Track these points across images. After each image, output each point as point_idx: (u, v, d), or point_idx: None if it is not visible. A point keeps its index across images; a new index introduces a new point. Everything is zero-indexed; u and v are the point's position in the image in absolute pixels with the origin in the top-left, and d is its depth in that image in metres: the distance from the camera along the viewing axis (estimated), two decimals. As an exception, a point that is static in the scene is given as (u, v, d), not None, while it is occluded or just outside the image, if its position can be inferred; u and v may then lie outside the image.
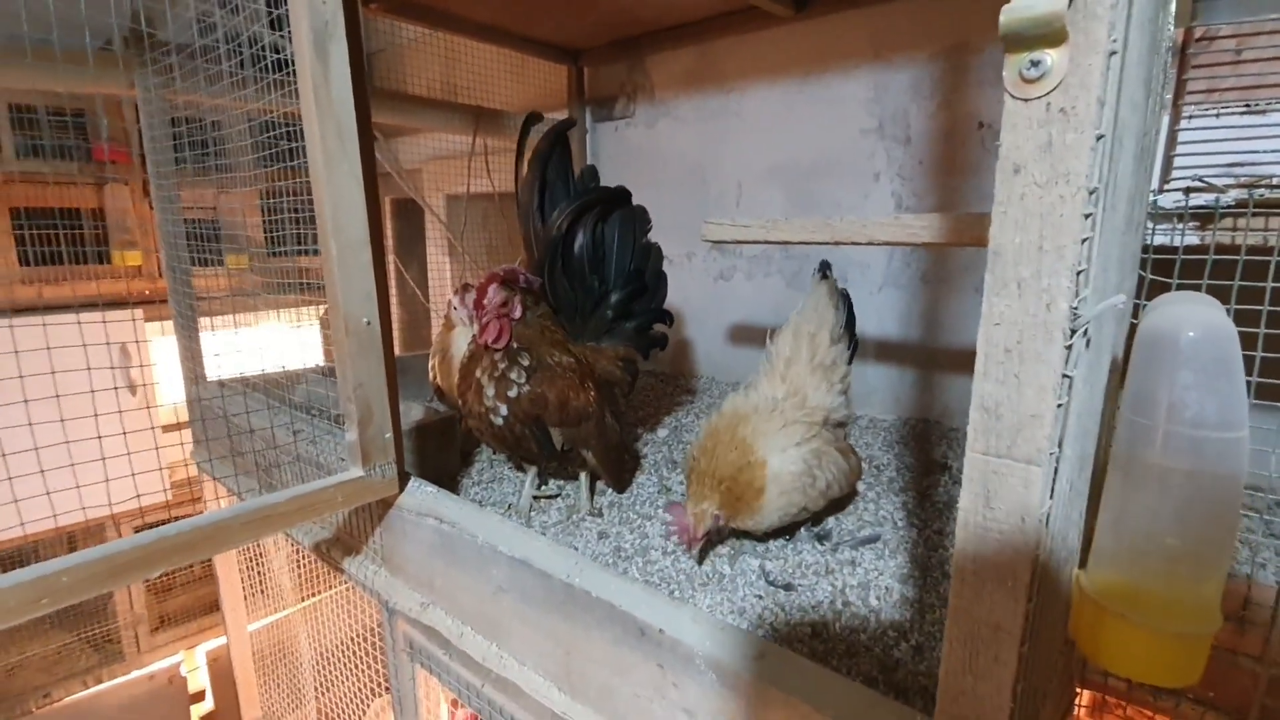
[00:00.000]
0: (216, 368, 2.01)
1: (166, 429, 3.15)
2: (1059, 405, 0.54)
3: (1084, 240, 0.51)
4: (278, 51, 1.24)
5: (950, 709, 0.65)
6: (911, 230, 1.30)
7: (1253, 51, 1.00)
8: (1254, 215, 0.90)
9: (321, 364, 2.50)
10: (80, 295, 3.45)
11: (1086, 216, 0.50)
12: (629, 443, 1.74)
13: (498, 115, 2.92)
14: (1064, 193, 0.49)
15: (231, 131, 1.77)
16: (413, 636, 1.42)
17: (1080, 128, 0.48)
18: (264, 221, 1.63)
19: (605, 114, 3.02)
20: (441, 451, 1.81)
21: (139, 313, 3.21)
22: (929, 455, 1.95)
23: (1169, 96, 1.02)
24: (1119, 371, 0.87)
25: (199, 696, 4.38)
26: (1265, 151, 1.00)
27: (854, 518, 1.56)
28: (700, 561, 1.36)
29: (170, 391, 2.64)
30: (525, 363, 1.44)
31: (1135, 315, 0.75)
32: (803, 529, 1.48)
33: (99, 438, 1.41)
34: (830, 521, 1.54)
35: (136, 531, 3.81)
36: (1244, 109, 1.01)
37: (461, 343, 1.70)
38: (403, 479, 1.33)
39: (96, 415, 1.43)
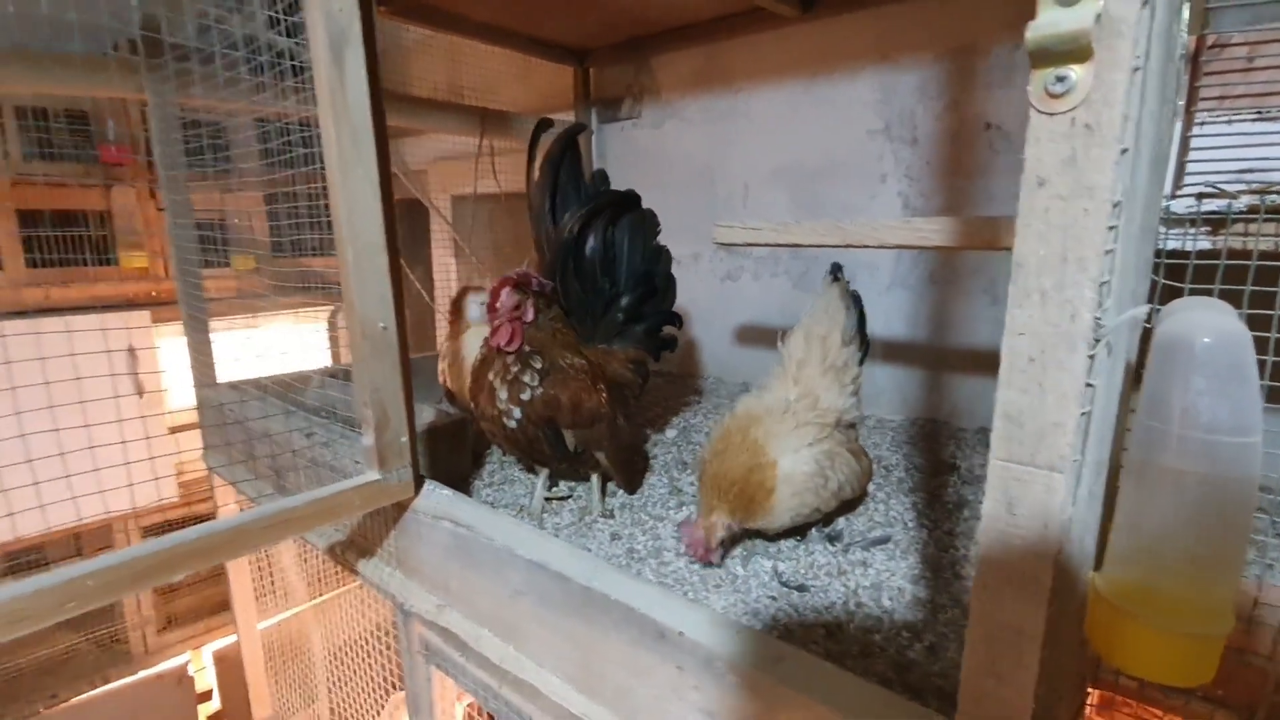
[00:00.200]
0: (229, 370, 2.02)
1: (173, 430, 3.17)
2: (1082, 413, 0.55)
3: (1107, 252, 0.51)
4: (292, 57, 1.25)
5: (972, 711, 0.66)
6: (922, 234, 1.31)
7: (1265, 59, 1.00)
8: (1266, 220, 0.91)
9: (329, 365, 2.51)
10: (87, 297, 3.46)
11: (1110, 229, 0.51)
12: (640, 444, 1.75)
13: (504, 116, 2.93)
14: (1088, 206, 0.50)
15: (241, 136, 1.78)
16: (428, 638, 1.43)
17: (1105, 142, 0.49)
18: (272, 224, 1.65)
19: (611, 115, 3.02)
20: (453, 454, 1.82)
21: (146, 314, 3.22)
22: (938, 455, 1.96)
23: (1181, 103, 1.03)
24: (1132, 375, 0.88)
25: (206, 696, 4.40)
26: (1277, 158, 1.01)
27: (864, 518, 1.57)
28: (720, 564, 1.36)
29: (178, 393, 2.66)
30: (538, 365, 1.45)
31: (1148, 320, 0.76)
32: (814, 530, 1.49)
33: (123, 441, 1.42)
34: (841, 522, 1.55)
35: (144, 532, 3.83)
36: (1256, 115, 1.02)
37: (473, 346, 1.72)
38: (418, 482, 1.34)
39: (120, 418, 1.44)
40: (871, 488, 1.71)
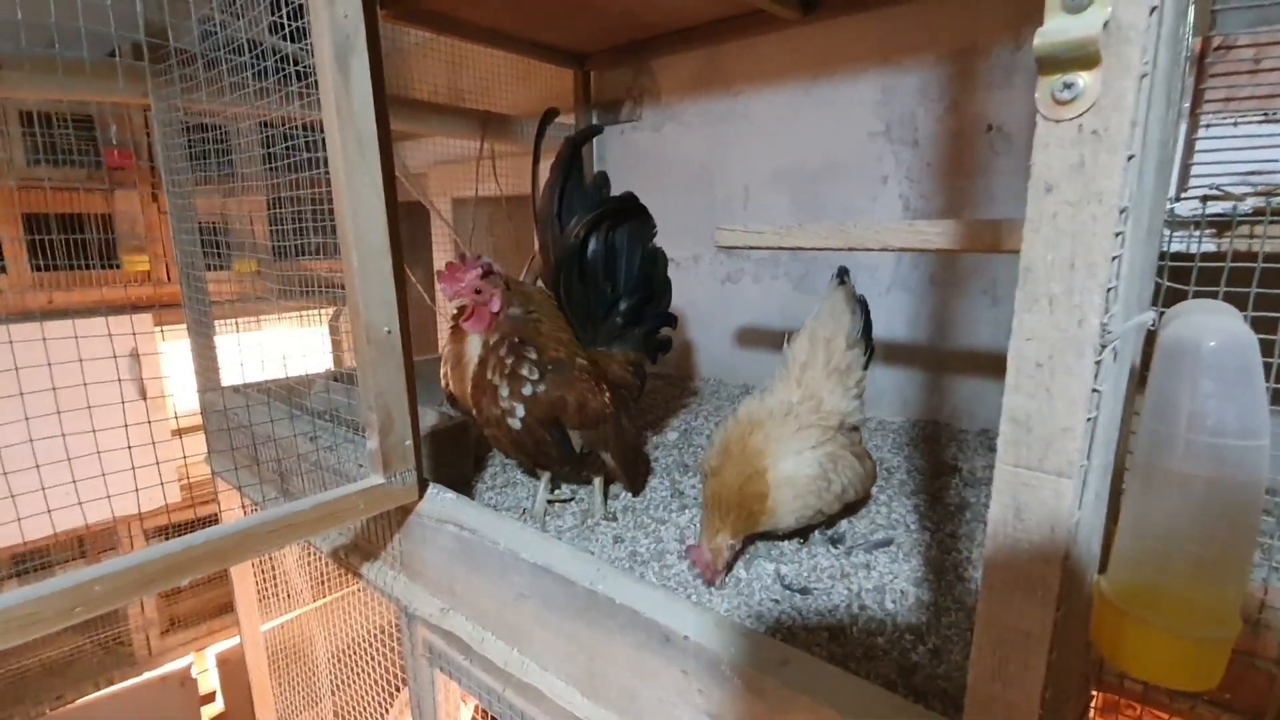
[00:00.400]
0: (233, 373, 2.02)
1: (176, 433, 3.17)
2: (1089, 419, 0.55)
3: (1115, 258, 0.52)
4: (297, 62, 1.25)
5: (978, 715, 0.66)
6: (925, 236, 1.31)
7: (1271, 60, 1.00)
8: (1271, 223, 0.91)
9: (332, 368, 2.51)
10: (91, 301, 3.47)
11: (1117, 234, 0.51)
12: (641, 446, 1.75)
13: (504, 120, 2.93)
14: (1096, 212, 0.50)
15: (245, 141, 1.78)
16: (432, 641, 1.43)
17: (1113, 149, 0.49)
18: (274, 228, 1.65)
19: (611, 118, 3.03)
20: (456, 457, 1.82)
21: (149, 318, 3.22)
22: (939, 457, 1.96)
23: (1186, 105, 1.03)
24: (1137, 378, 0.88)
25: (209, 698, 4.40)
26: (1283, 160, 1.01)
27: (867, 521, 1.57)
28: (721, 585, 1.34)
29: (180, 395, 2.66)
30: (532, 356, 1.44)
31: (1153, 323, 0.76)
32: (816, 532, 1.49)
33: (128, 446, 1.42)
34: (844, 525, 1.55)
35: (148, 533, 3.83)
36: (1262, 118, 1.02)
37: (476, 349, 1.71)
38: (422, 486, 1.34)
39: (123, 421, 1.45)
40: (874, 490, 1.71)
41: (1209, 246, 0.95)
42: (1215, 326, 0.72)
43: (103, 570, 0.91)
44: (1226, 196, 0.92)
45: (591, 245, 1.63)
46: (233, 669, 4.23)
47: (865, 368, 1.47)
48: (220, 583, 3.93)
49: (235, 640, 3.74)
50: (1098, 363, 0.54)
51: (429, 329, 3.70)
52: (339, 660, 2.97)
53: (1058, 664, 0.64)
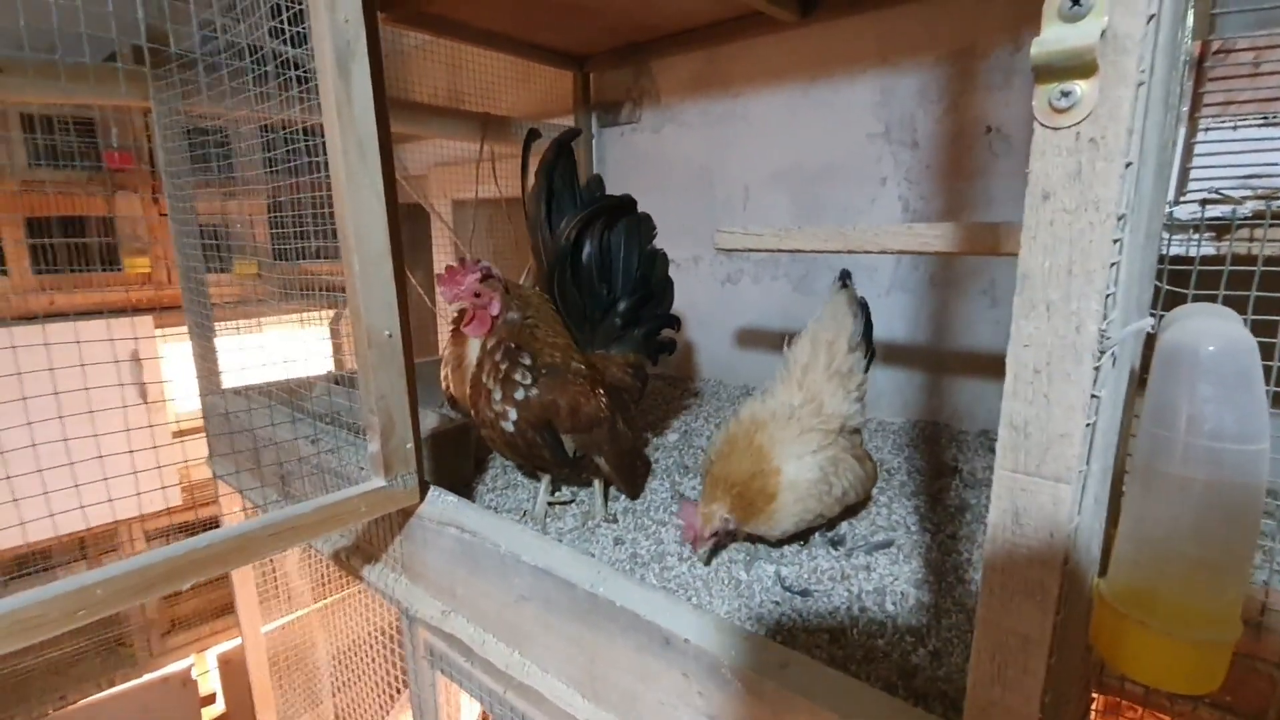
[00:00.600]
0: (234, 376, 2.03)
1: (177, 435, 3.18)
2: (1087, 424, 0.55)
3: (1113, 264, 0.52)
4: (298, 66, 1.25)
5: (979, 719, 0.66)
6: (924, 239, 1.31)
7: (1271, 64, 1.00)
8: (1271, 226, 0.91)
9: (332, 371, 2.52)
10: (92, 304, 3.47)
11: (1115, 241, 0.51)
12: (641, 449, 1.75)
13: (504, 121, 2.93)
14: (1093, 219, 0.51)
15: (245, 144, 1.79)
16: (433, 644, 1.43)
17: (1110, 156, 0.49)
18: (274, 231, 1.65)
19: (611, 119, 3.03)
20: (457, 459, 1.83)
21: (149, 320, 3.23)
22: (939, 458, 1.97)
23: (1185, 109, 1.03)
24: (1136, 382, 0.88)
25: (210, 699, 4.41)
26: (1283, 164, 1.01)
27: (867, 522, 1.57)
28: (707, 562, 1.38)
29: (181, 398, 2.67)
30: (527, 362, 1.45)
31: (1151, 326, 0.76)
32: (817, 534, 1.49)
33: (130, 451, 1.43)
34: (844, 526, 1.55)
35: (148, 535, 3.84)
36: (1262, 121, 1.02)
37: (475, 353, 1.72)
38: (423, 488, 1.34)
39: (125, 423, 1.45)
40: (874, 491, 1.71)
41: (1208, 250, 0.96)
42: (1214, 331, 0.72)
43: (105, 574, 0.91)
44: (1226, 200, 0.92)
45: (586, 247, 1.63)
46: (234, 670, 4.23)
47: (866, 370, 1.47)
48: (221, 584, 3.94)
49: (237, 641, 3.74)
50: (1096, 369, 0.54)
51: (429, 331, 3.70)
52: (340, 662, 2.98)
53: (1058, 668, 0.64)
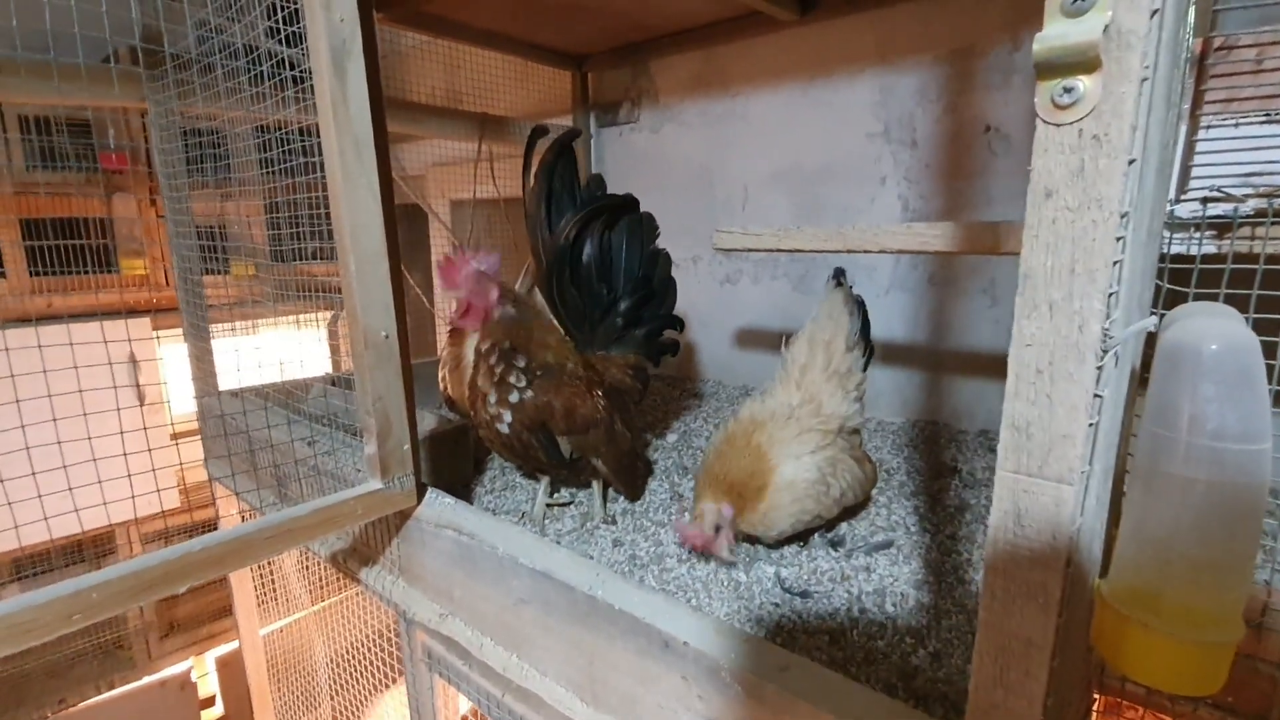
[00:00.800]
0: (231, 378, 2.02)
1: (175, 437, 3.16)
2: (1090, 425, 0.54)
3: (1115, 263, 0.51)
4: (294, 66, 1.24)
5: (980, 722, 0.66)
6: (924, 239, 1.31)
7: (1273, 60, 1.00)
8: (1273, 224, 0.91)
9: (329, 372, 2.51)
10: (89, 306, 3.46)
11: (1118, 240, 0.50)
12: (641, 450, 1.73)
13: (502, 121, 2.93)
14: (1096, 217, 0.50)
15: (242, 145, 1.78)
16: (431, 647, 1.42)
17: (1113, 153, 0.48)
18: (271, 232, 1.65)
19: (610, 119, 3.02)
20: (455, 461, 1.82)
21: (146, 322, 3.22)
22: (938, 458, 1.96)
23: (1186, 107, 1.02)
24: (1137, 382, 0.87)
25: (209, 702, 4.40)
26: (1285, 161, 1.01)
27: (867, 523, 1.57)
28: (731, 562, 1.33)
29: (178, 399, 2.66)
30: (521, 364, 1.44)
31: (1153, 325, 0.75)
32: (816, 535, 1.49)
33: (124, 453, 1.42)
34: (843, 527, 1.55)
35: (145, 537, 3.83)
36: (1264, 118, 1.01)
37: (472, 353, 1.71)
38: (421, 490, 1.33)
39: (122, 426, 1.44)
40: (874, 492, 1.71)
41: (1210, 248, 0.95)
42: (1216, 329, 0.71)
43: (100, 577, 0.90)
44: (1227, 198, 0.92)
45: (585, 247, 1.62)
46: (233, 673, 4.22)
47: (865, 369, 1.47)
48: (220, 586, 3.93)
49: (236, 644, 3.73)
50: (1099, 369, 0.53)
51: (427, 331, 3.69)
52: (338, 664, 2.97)
53: (1060, 670, 0.63)
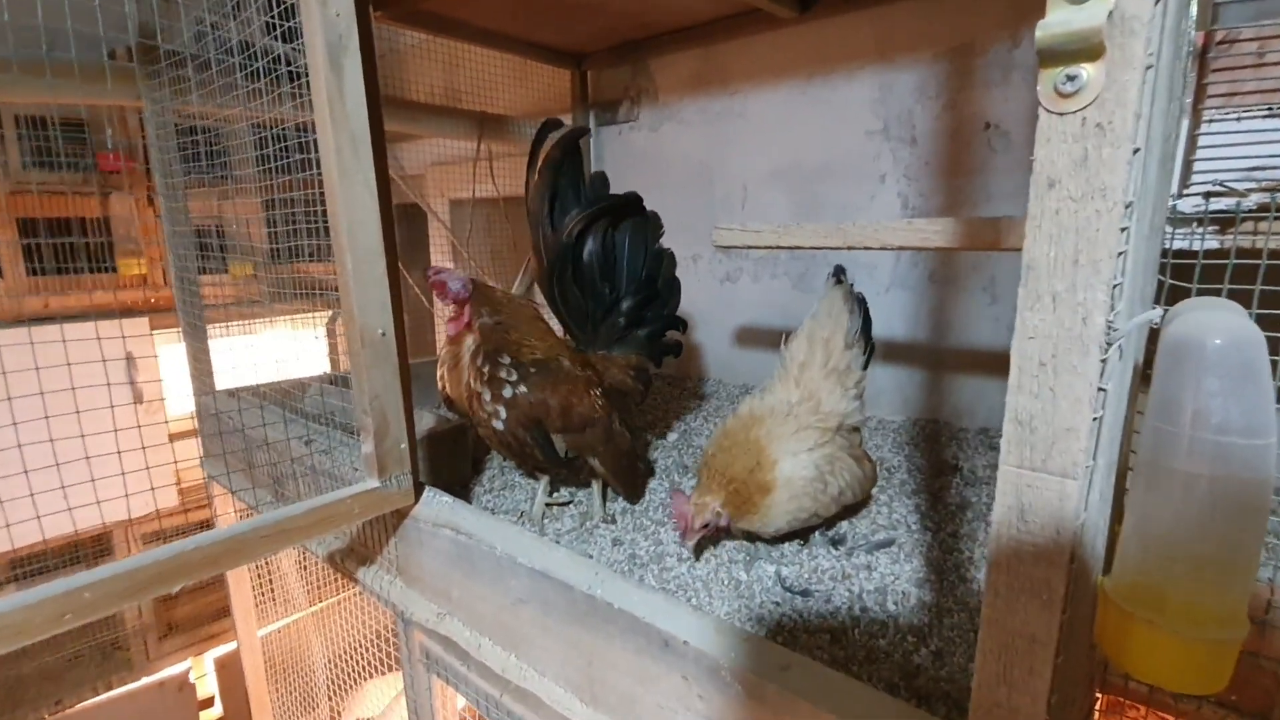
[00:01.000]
0: (228, 377, 2.01)
1: (172, 437, 3.15)
2: (1094, 418, 0.54)
3: (1120, 254, 0.50)
4: (290, 63, 1.24)
5: (983, 721, 0.65)
6: (924, 235, 1.30)
7: (1275, 54, 0.99)
8: (1276, 219, 0.90)
9: (327, 371, 2.50)
10: (86, 306, 3.45)
11: (1122, 230, 0.50)
12: (642, 451, 1.71)
13: (501, 120, 2.92)
14: (1100, 207, 0.49)
15: (239, 142, 1.77)
16: (429, 647, 1.42)
17: (1117, 142, 0.48)
18: (269, 231, 1.64)
19: (609, 118, 3.02)
20: (453, 460, 1.81)
21: (144, 322, 3.21)
22: (939, 456, 1.95)
23: (1189, 100, 1.01)
24: (1140, 376, 0.87)
25: (208, 703, 4.38)
26: (1287, 155, 1.00)
27: (868, 521, 1.56)
28: (697, 557, 1.38)
29: (177, 400, 2.65)
30: (506, 361, 1.45)
31: (1156, 319, 0.75)
32: (817, 533, 1.48)
33: (118, 451, 1.41)
34: (844, 526, 1.54)
35: (143, 537, 3.82)
36: (1266, 112, 1.01)
37: (469, 353, 1.70)
38: (418, 489, 1.33)
39: (119, 426, 1.43)
40: (874, 490, 1.70)
41: (1212, 243, 0.94)
42: (1219, 324, 0.71)
43: (92, 577, 0.89)
44: (1230, 193, 0.91)
45: (588, 245, 1.61)
46: (232, 674, 4.21)
47: (865, 367, 1.46)
48: (218, 586, 3.92)
49: (234, 645, 3.73)
50: (1103, 361, 0.53)
51: (426, 330, 3.69)
52: (336, 665, 2.96)
53: (1064, 668, 0.62)
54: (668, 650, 0.93)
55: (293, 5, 1.14)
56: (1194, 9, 0.77)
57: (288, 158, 1.36)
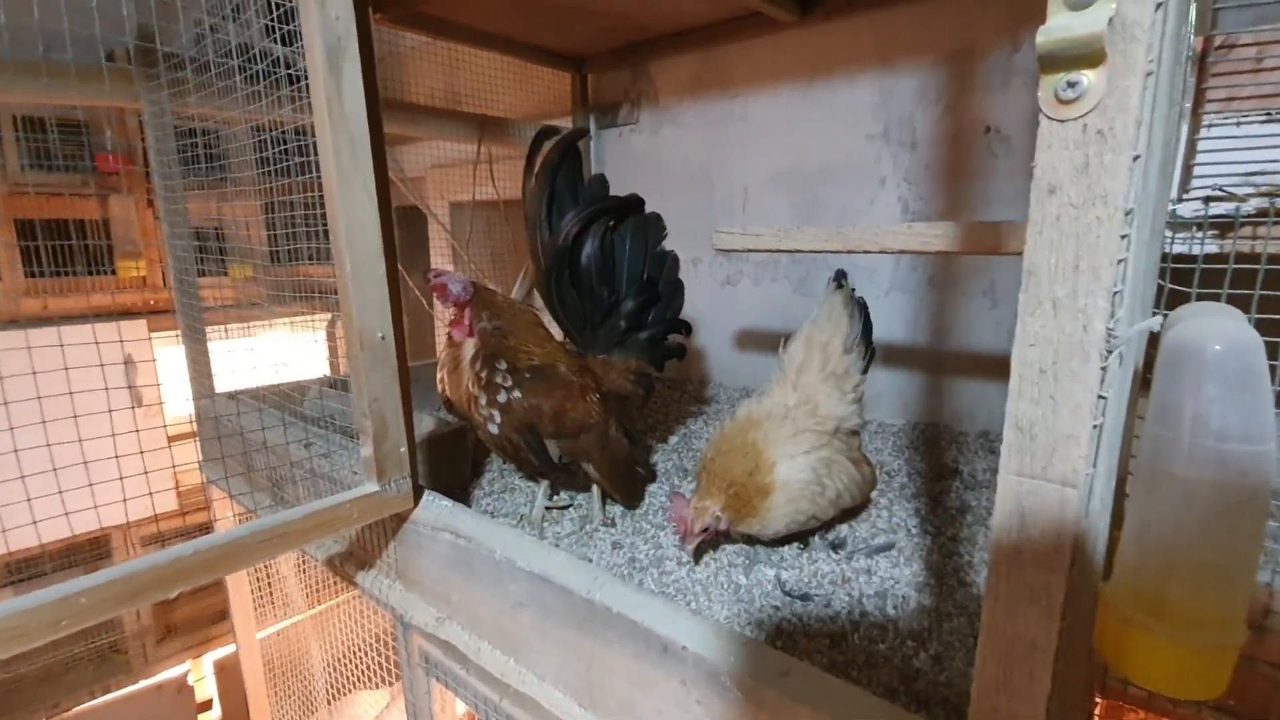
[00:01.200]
0: (228, 380, 2.01)
1: (172, 440, 3.15)
2: (1095, 426, 0.54)
3: (1120, 260, 0.50)
4: (289, 65, 1.24)
5: (983, 728, 0.65)
6: (924, 239, 1.30)
7: (1273, 59, 0.99)
8: (1275, 224, 0.90)
9: (327, 374, 2.50)
10: (85, 308, 3.45)
11: (1123, 237, 0.50)
12: (643, 457, 1.69)
13: (502, 123, 2.92)
14: (1101, 214, 0.49)
15: (238, 145, 1.77)
16: (428, 651, 1.41)
17: (1118, 149, 0.47)
18: (269, 233, 1.64)
19: (610, 121, 3.02)
20: (453, 463, 1.81)
21: (143, 324, 3.21)
22: (939, 460, 1.95)
23: (1188, 105, 1.02)
24: (1140, 382, 0.87)
25: (206, 706, 4.37)
26: (1286, 160, 1.00)
27: (867, 525, 1.56)
28: (696, 560, 1.38)
29: (176, 403, 2.65)
30: (502, 366, 1.45)
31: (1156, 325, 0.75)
32: (816, 537, 1.48)
33: (117, 455, 1.41)
34: (844, 529, 1.54)
35: (143, 541, 3.81)
36: (1265, 117, 1.01)
37: (469, 356, 1.70)
38: (417, 493, 1.32)
39: (118, 429, 1.43)
40: (874, 494, 1.70)
41: (1212, 248, 0.94)
42: (1219, 330, 0.71)
43: (89, 582, 0.89)
44: (1229, 197, 0.91)
45: (586, 248, 1.60)
46: (231, 676, 4.20)
47: (865, 372, 1.46)
48: (218, 589, 3.91)
49: (234, 648, 3.72)
50: (1103, 368, 0.52)
51: (426, 333, 3.69)
52: (335, 668, 2.95)
53: (1063, 674, 0.62)
54: (666, 655, 0.92)
55: (292, 8, 1.14)
56: (1193, 14, 0.77)
57: (287, 160, 1.36)
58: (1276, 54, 1.00)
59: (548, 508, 1.67)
